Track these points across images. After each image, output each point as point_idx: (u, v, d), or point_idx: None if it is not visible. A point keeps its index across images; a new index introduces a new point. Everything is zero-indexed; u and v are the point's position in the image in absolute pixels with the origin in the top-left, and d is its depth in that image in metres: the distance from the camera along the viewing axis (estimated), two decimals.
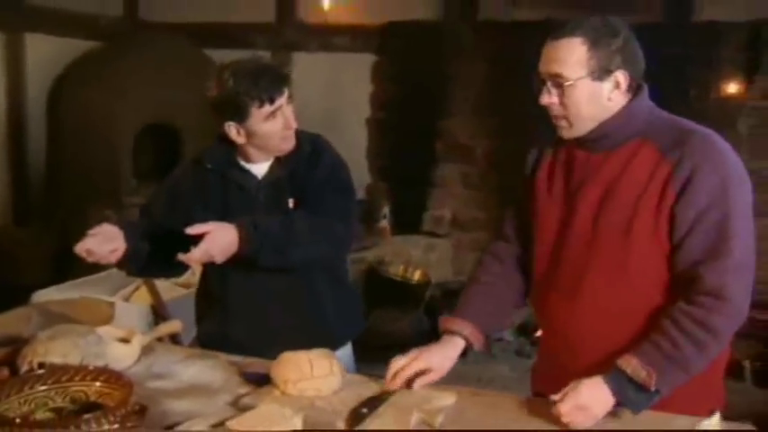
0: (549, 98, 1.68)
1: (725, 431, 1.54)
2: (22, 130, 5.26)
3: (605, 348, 1.67)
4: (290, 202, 2.12)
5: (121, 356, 1.83)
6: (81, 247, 1.93)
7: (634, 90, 1.68)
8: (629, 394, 1.57)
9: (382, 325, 4.66)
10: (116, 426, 1.39)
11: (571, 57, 1.63)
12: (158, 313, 2.80)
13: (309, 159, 2.14)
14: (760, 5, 4.65)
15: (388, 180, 5.58)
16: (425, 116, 5.44)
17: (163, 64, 5.19)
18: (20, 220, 5.17)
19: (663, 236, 1.63)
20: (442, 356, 1.83)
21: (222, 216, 2.02)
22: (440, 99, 5.42)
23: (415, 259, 5.20)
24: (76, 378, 1.54)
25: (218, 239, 1.91)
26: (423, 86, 5.45)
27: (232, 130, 2.03)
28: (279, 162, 2.12)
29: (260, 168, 2.13)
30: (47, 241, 4.99)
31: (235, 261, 1.98)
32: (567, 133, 1.71)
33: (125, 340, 1.89)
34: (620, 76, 1.64)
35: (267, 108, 1.98)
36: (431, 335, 4.83)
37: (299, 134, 2.14)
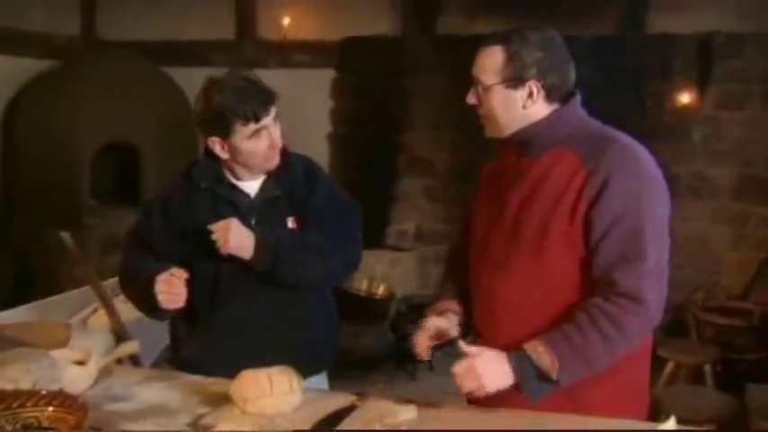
0: (472, 98, 1.78)
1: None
2: None
3: (518, 336, 1.69)
4: (290, 221, 2.10)
5: (77, 379, 1.79)
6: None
7: (561, 99, 1.75)
8: (530, 380, 1.62)
9: (346, 341, 4.61)
10: None
11: (490, 64, 1.72)
12: (118, 335, 2.75)
13: (307, 181, 2.13)
14: (710, 17, 4.77)
15: (351, 195, 5.49)
16: (387, 131, 5.49)
17: (120, 82, 5.14)
18: None
19: (577, 241, 1.68)
20: (446, 322, 1.88)
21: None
22: (400, 113, 5.47)
23: (379, 274, 5.19)
24: (28, 404, 1.51)
25: (240, 230, 1.93)
26: (383, 101, 5.49)
27: (216, 145, 2.00)
28: (271, 180, 2.09)
29: (250, 186, 2.10)
30: (3, 265, 4.89)
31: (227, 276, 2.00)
32: (488, 131, 1.79)
33: (81, 363, 1.85)
34: (533, 87, 1.71)
35: (252, 126, 1.95)
36: (397, 350, 4.87)
37: (289, 153, 2.12)
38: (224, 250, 1.94)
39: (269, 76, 5.84)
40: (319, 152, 5.61)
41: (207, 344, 2.09)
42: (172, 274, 1.93)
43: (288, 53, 5.70)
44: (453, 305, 1.94)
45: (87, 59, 5.36)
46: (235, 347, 2.06)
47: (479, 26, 5.19)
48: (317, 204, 2.11)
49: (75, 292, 3.11)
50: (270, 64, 5.76)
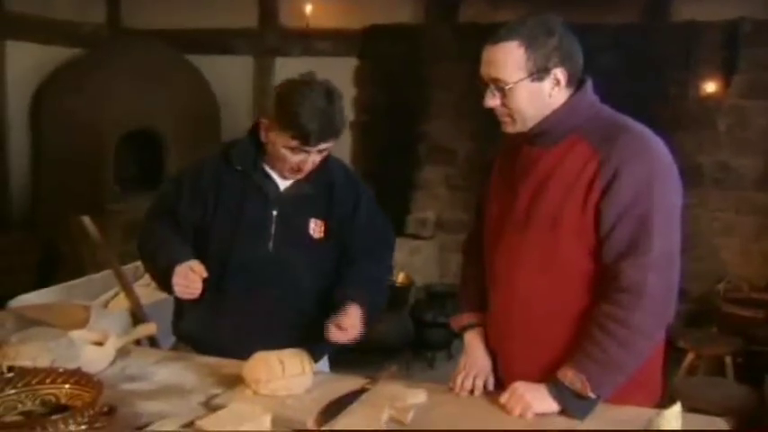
0: (493, 101, 1.72)
1: (691, 431, 1.55)
2: (4, 139, 5.24)
3: (534, 333, 1.75)
4: (312, 223, 2.11)
5: (95, 359, 1.83)
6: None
7: (575, 85, 1.72)
8: (571, 403, 1.65)
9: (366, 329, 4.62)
10: (83, 427, 1.39)
11: (509, 61, 1.66)
12: (137, 317, 2.79)
13: (347, 192, 2.15)
14: (736, 4, 4.70)
15: (372, 183, 5.42)
16: (408, 119, 5.47)
17: (144, 70, 5.18)
18: (2, 229, 5.14)
19: (588, 231, 1.66)
20: (481, 358, 1.89)
21: (235, 216, 2.06)
22: (422, 102, 5.44)
23: (399, 262, 5.16)
24: (47, 381, 1.54)
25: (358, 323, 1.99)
26: (405, 90, 5.48)
27: (263, 126, 2.02)
28: (304, 179, 2.09)
29: (285, 180, 2.11)
30: (30, 250, 4.97)
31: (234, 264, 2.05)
32: (511, 128, 1.75)
33: (99, 343, 1.89)
34: (559, 74, 1.68)
35: (295, 143, 1.95)
36: (415, 337, 4.86)
37: (329, 157, 2.11)
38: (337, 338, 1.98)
39: (291, 65, 5.92)
40: (341, 140, 5.51)
41: (210, 319, 2.11)
42: (191, 269, 1.95)
43: (310, 41, 5.71)
44: (479, 317, 1.95)
45: (112, 47, 5.41)
46: (237, 326, 2.09)
47: (502, 14, 5.14)
48: (361, 223, 2.15)
49: (97, 275, 3.16)
50: (292, 52, 5.79)
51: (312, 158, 2.01)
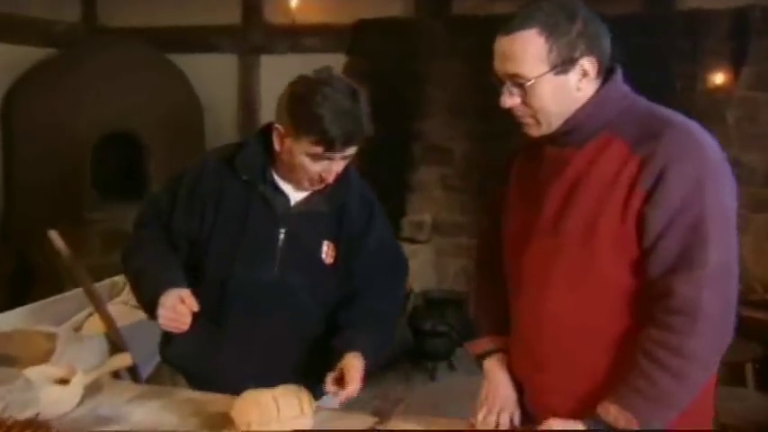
0: (512, 100, 1.52)
1: None
2: None
3: (569, 362, 1.56)
4: (325, 246, 1.90)
5: (58, 400, 1.59)
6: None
7: (604, 75, 1.53)
8: None
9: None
10: None
11: (529, 53, 1.47)
12: (114, 342, 2.53)
13: (362, 211, 1.94)
14: None
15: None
16: (401, 118, 5.22)
17: (122, 70, 4.94)
18: None
19: (630, 241, 1.47)
20: (504, 389, 1.71)
21: (237, 232, 1.86)
22: (415, 100, 5.22)
23: None
24: None
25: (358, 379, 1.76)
26: (397, 87, 5.22)
27: (278, 133, 1.79)
28: (319, 193, 1.88)
29: (296, 194, 1.89)
30: (3, 260, 4.71)
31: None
32: (536, 131, 1.56)
33: (64, 380, 1.63)
34: (587, 64, 1.48)
35: (319, 149, 1.74)
36: (414, 348, 4.63)
37: (348, 169, 1.90)
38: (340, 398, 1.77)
39: (278, 62, 5.65)
40: None
41: (204, 347, 1.89)
42: (181, 299, 1.76)
43: (296, 37, 5.47)
44: (500, 341, 1.75)
45: (88, 47, 5.16)
46: (235, 356, 1.88)
47: (499, 6, 4.92)
48: (371, 249, 1.95)
49: (70, 293, 2.89)
50: (278, 49, 5.55)
51: (336, 166, 1.80)
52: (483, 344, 1.78)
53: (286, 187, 1.89)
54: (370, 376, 1.76)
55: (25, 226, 4.77)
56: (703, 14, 4.59)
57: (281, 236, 1.88)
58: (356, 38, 5.33)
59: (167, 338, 1.97)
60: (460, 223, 5.18)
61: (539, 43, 1.46)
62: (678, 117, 1.53)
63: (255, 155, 1.88)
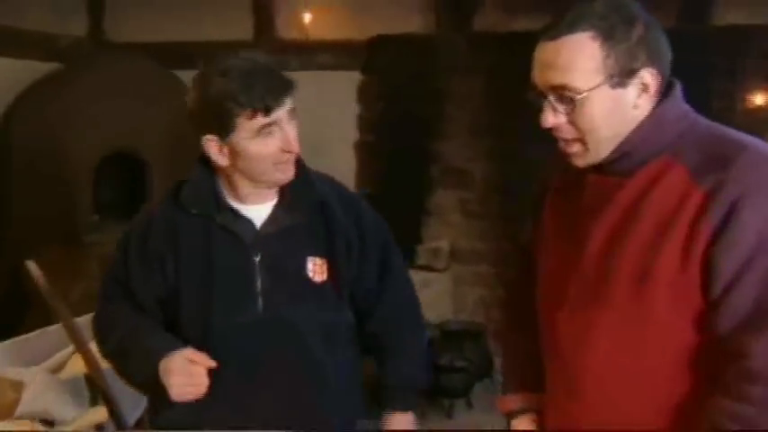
0: (555, 118, 1.30)
1: None
2: None
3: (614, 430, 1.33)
4: (310, 264, 1.69)
5: None
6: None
7: (661, 91, 1.33)
8: None
9: (372, 373, 4.17)
10: None
11: (581, 60, 1.26)
12: (96, 385, 2.26)
13: (344, 211, 1.74)
14: None
15: (379, 209, 5.08)
16: (418, 138, 5.03)
17: (127, 87, 4.71)
18: None
19: (692, 290, 1.25)
20: None
21: (204, 275, 1.65)
22: (433, 119, 4.99)
23: None
24: None
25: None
26: (414, 106, 5.03)
27: (212, 147, 1.60)
28: (285, 204, 1.67)
29: (257, 212, 1.69)
30: None
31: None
32: (582, 160, 1.35)
33: None
34: (648, 76, 1.28)
35: (260, 120, 1.55)
36: (430, 383, 4.37)
37: (305, 168, 1.71)
38: None
39: None
40: (345, 162, 5.20)
41: (196, 410, 1.63)
42: (189, 359, 1.58)
43: (310, 54, 5.23)
44: (531, 400, 1.52)
45: (91, 62, 4.95)
46: (233, 415, 1.64)
47: (520, 23, 4.70)
48: (372, 257, 1.79)
49: (53, 327, 2.63)
50: (290, 66, 5.30)
51: (289, 129, 1.60)
52: (512, 402, 1.56)
53: (247, 210, 1.67)
54: (376, 414, 1.73)
55: (20, 248, 4.53)
56: (741, 30, 4.35)
57: (257, 265, 1.66)
58: (372, 54, 5.13)
59: (156, 407, 1.73)
60: (480, 250, 4.94)
61: (593, 48, 1.25)
62: (750, 139, 1.29)
63: (201, 183, 1.68)
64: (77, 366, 2.44)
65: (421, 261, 4.97)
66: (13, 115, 4.77)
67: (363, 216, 1.79)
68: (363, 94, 5.25)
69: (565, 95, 1.27)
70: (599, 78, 1.25)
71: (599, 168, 1.35)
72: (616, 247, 1.31)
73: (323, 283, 1.69)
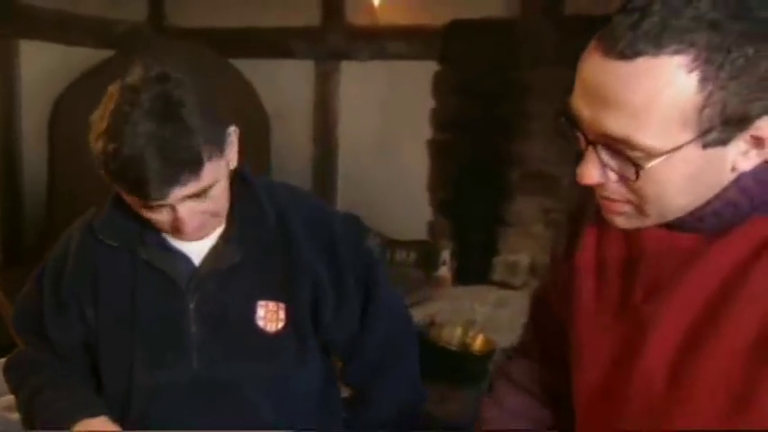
0: (601, 176, 0.87)
1: None
2: (16, 156, 4.54)
3: None
4: (260, 309, 1.38)
5: None
6: None
7: None
8: None
9: (430, 407, 3.71)
10: None
11: (662, 102, 0.78)
12: None
13: (315, 239, 1.43)
14: None
15: (452, 216, 4.69)
16: (497, 138, 4.54)
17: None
18: (11, 263, 4.45)
19: None
20: None
21: (126, 321, 1.38)
22: (515, 116, 4.49)
23: (480, 318, 4.20)
24: None
25: None
26: (495, 101, 4.52)
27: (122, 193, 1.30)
28: (229, 237, 1.40)
29: (197, 245, 1.40)
30: None
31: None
32: (628, 224, 0.92)
33: None
34: (765, 127, 0.80)
35: (134, 198, 1.27)
36: None
37: (254, 185, 1.43)
38: None
39: (359, 70, 4.93)
40: (417, 162, 4.78)
41: None
42: None
43: (381, 42, 4.78)
44: None
45: (144, 50, 4.66)
46: None
47: (618, 2, 4.05)
48: (353, 296, 1.46)
49: None
50: (360, 55, 4.86)
51: (184, 213, 1.27)
52: None
53: (182, 244, 1.35)
54: None
55: None
56: None
57: (191, 312, 1.38)
58: (448, 42, 4.63)
59: None
60: None
61: (687, 87, 0.77)
62: None
63: (119, 209, 1.36)
64: None
65: (496, 277, 4.51)
66: (64, 106, 4.58)
67: (337, 240, 1.43)
68: (438, 87, 4.77)
69: (625, 153, 0.82)
70: (687, 135, 0.78)
71: (672, 223, 0.90)
72: (700, 342, 0.84)
73: (278, 334, 1.37)
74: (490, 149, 4.60)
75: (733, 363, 0.82)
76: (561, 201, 4.46)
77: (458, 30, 4.58)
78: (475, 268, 4.49)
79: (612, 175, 0.86)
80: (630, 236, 0.96)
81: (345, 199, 4.80)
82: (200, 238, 1.37)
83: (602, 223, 0.97)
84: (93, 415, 1.38)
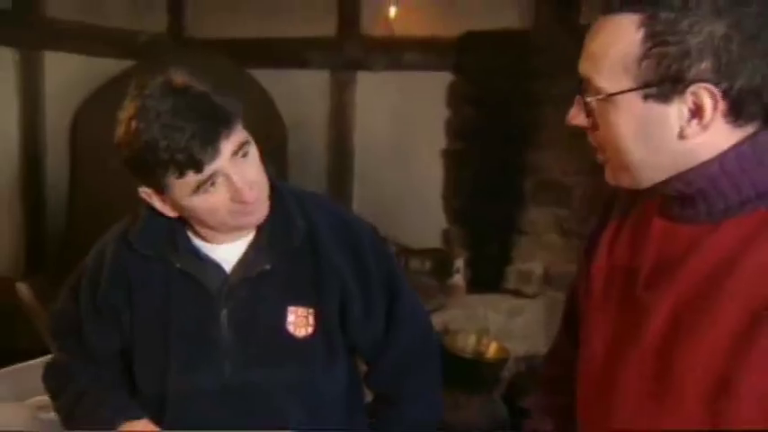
0: (577, 118, 1.04)
1: None
2: (39, 166, 4.62)
3: None
4: (290, 315, 1.41)
5: None
6: None
7: (758, 118, 0.96)
8: None
9: (445, 414, 3.75)
10: None
11: (612, 51, 0.98)
12: None
13: (341, 247, 1.46)
14: None
15: (466, 225, 4.71)
16: (511, 147, 4.56)
17: None
18: (32, 272, 4.52)
19: None
20: None
21: (162, 326, 1.43)
22: (529, 126, 4.49)
23: (494, 326, 4.23)
24: None
25: None
26: (509, 111, 4.55)
27: (152, 198, 1.36)
28: (259, 244, 1.43)
29: (225, 254, 1.44)
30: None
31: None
32: (611, 178, 1.10)
33: None
34: (704, 95, 0.92)
35: (192, 178, 1.29)
36: (511, 427, 3.93)
37: (286, 198, 1.45)
38: None
39: (375, 80, 5.01)
40: (431, 171, 4.82)
41: None
42: None
43: (397, 52, 4.83)
44: None
45: (164, 60, 4.73)
46: None
47: None
48: (380, 303, 1.50)
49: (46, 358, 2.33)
50: (376, 66, 4.92)
51: (238, 174, 1.31)
52: None
53: (214, 251, 1.39)
54: None
55: (87, 251, 4.38)
56: None
57: (224, 320, 1.41)
58: (463, 53, 4.68)
59: None
60: None
61: (632, 40, 0.94)
62: None
63: (154, 221, 1.40)
64: None
65: (510, 285, 4.52)
66: (86, 117, 4.65)
67: (363, 246, 1.47)
68: (453, 97, 4.82)
69: (588, 90, 0.99)
70: (627, 82, 0.94)
71: (668, 214, 0.99)
72: (689, 330, 0.91)
73: (307, 338, 1.40)
74: (504, 159, 4.61)
75: (715, 349, 0.87)
76: (574, 210, 4.48)
77: (472, 41, 4.62)
78: (489, 277, 4.50)
79: (581, 117, 1.02)
80: (640, 231, 1.04)
81: (361, 208, 4.84)
82: (259, 220, 1.39)
83: (620, 224, 1.10)
84: (136, 418, 1.43)
